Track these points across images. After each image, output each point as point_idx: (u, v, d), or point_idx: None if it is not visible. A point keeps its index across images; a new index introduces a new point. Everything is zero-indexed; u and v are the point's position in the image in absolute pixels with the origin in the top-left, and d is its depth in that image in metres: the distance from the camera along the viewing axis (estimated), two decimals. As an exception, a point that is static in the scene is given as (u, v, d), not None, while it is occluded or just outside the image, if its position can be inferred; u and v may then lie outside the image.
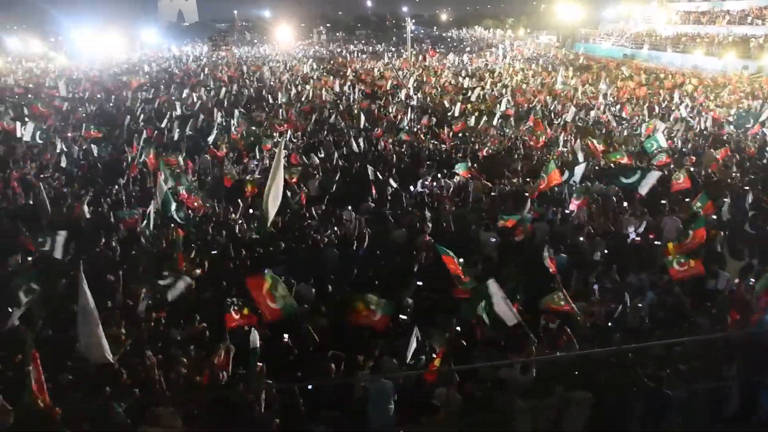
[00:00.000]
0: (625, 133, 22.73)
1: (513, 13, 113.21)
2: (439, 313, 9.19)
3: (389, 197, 14.94)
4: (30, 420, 6.83)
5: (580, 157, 17.25)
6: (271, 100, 31.05)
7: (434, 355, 7.80)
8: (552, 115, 26.93)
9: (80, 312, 7.30)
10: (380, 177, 15.70)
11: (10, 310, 9.03)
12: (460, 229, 12.46)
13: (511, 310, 7.88)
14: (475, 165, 16.98)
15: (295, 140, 21.35)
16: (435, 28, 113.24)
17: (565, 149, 19.60)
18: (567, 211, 13.36)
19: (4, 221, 13.00)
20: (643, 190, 13.94)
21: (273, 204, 11.19)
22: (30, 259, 11.27)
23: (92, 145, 20.37)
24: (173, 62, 59.67)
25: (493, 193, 15.01)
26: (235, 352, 7.86)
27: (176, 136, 21.51)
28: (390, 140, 21.00)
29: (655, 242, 11.86)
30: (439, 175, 16.43)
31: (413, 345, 7.82)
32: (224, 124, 23.87)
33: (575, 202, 13.22)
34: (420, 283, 10.06)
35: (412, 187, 15.55)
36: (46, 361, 6.84)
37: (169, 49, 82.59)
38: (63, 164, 18.31)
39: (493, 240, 11.73)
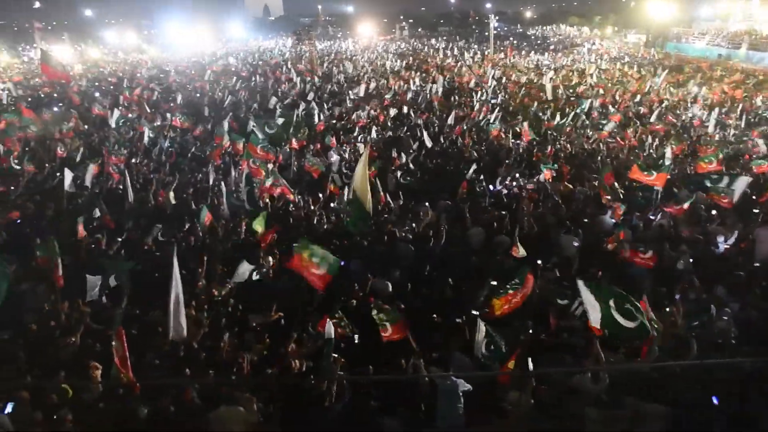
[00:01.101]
0: (717, 137, 21.71)
1: (600, 10, 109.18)
2: (514, 314, 9.07)
3: (474, 195, 14.83)
4: (113, 393, 7.26)
5: (668, 162, 16.60)
6: (351, 95, 31.34)
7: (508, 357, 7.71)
8: (639, 117, 26.00)
9: (171, 293, 7.71)
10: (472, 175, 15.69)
11: (96, 292, 9.53)
12: (538, 230, 12.23)
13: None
14: (557, 165, 16.62)
15: (375, 134, 21.52)
16: (518, 25, 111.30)
17: (651, 152, 18.96)
18: (651, 217, 12.92)
19: (94, 203, 13.73)
20: (734, 196, 13.29)
21: (365, 199, 11.40)
22: (119, 239, 11.90)
23: (179, 134, 21.25)
24: (257, 55, 61.09)
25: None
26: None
27: (256, 127, 22.01)
28: (469, 137, 20.85)
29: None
30: (518, 175, 16.20)
31: (483, 344, 7.77)
32: (304, 116, 24.30)
33: (674, 207, 12.69)
34: (495, 283, 9.96)
35: (491, 186, 15.40)
36: (131, 338, 7.26)
37: (255, 41, 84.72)
38: (153, 153, 19.18)
39: (576, 244, 11.46)
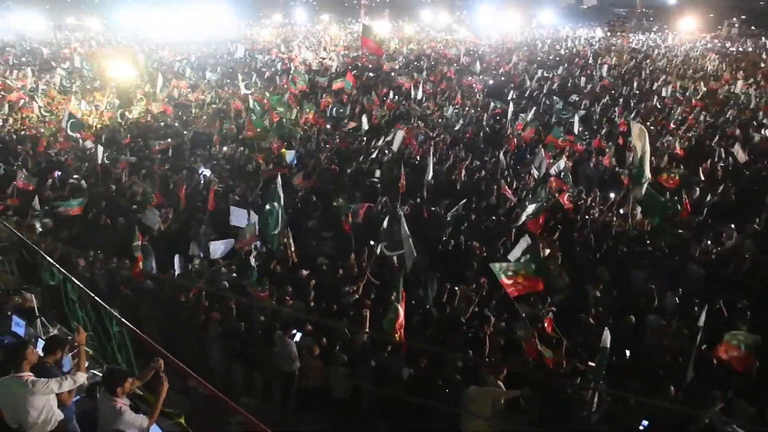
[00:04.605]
0: None
1: None
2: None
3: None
4: (378, 344, 8.09)
5: None
6: (663, 94, 29.03)
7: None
8: None
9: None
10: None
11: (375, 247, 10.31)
12: None
13: None
14: None
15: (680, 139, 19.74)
16: None
17: None
18: None
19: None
20: None
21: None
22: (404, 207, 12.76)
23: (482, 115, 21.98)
24: (566, 43, 59.73)
25: None
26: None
27: (558, 118, 21.62)
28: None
29: None
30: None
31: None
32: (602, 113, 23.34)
33: None
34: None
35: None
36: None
37: (564, 29, 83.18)
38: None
39: None
